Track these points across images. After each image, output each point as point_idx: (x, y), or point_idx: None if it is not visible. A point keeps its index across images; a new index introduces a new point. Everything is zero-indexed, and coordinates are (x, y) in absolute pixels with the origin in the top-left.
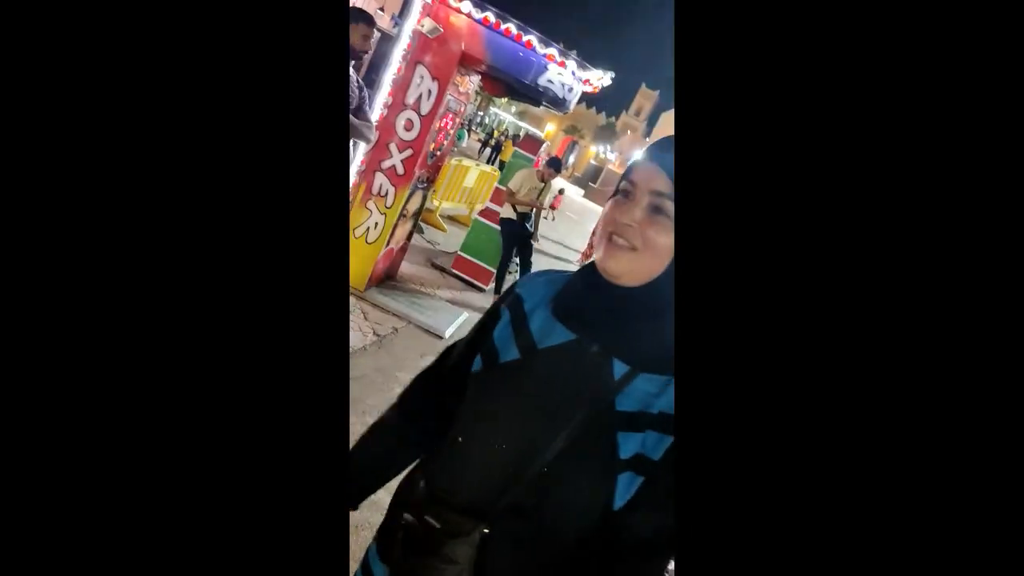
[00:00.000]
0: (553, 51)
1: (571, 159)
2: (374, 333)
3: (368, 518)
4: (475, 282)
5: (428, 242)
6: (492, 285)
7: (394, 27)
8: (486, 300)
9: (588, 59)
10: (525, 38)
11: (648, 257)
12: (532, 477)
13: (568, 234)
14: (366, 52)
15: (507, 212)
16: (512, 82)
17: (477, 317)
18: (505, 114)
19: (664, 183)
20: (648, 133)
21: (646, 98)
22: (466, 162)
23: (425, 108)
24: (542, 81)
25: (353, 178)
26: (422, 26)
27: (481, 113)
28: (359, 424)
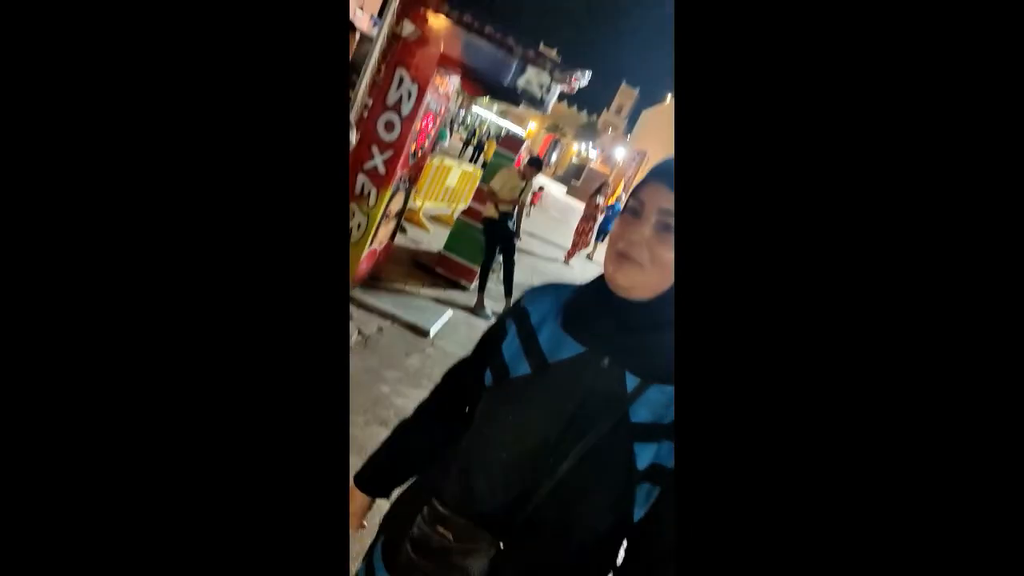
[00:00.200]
0: (531, 52)
1: (553, 157)
2: (359, 332)
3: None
4: (459, 280)
5: (412, 242)
6: (476, 283)
7: (374, 27)
8: (469, 298)
9: (569, 57)
10: (503, 40)
11: (656, 273)
12: (548, 491)
13: (552, 232)
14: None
15: (489, 211)
16: (491, 83)
17: (461, 315)
18: (487, 113)
19: (671, 201)
20: (629, 130)
21: (626, 96)
22: (448, 162)
23: (406, 109)
24: (521, 82)
25: None
26: (401, 29)
27: (464, 112)
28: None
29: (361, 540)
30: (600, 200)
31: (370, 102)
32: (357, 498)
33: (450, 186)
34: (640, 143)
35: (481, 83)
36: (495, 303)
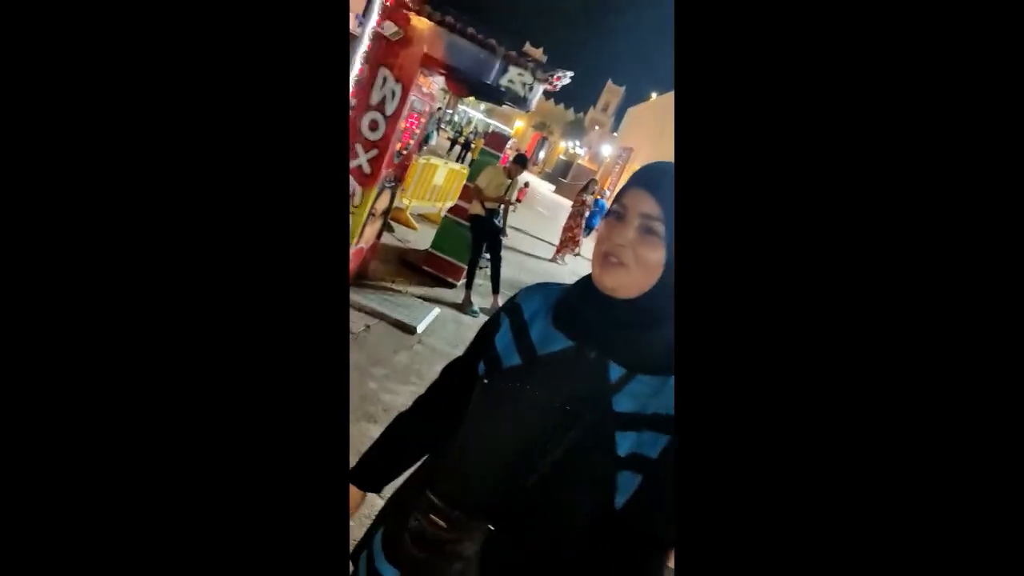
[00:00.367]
0: (513, 52)
1: (541, 155)
2: None
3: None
4: (446, 278)
5: (399, 240)
6: (463, 281)
7: (359, 27)
8: (457, 295)
9: (555, 56)
10: (485, 40)
11: (640, 273)
12: (535, 477)
13: (542, 229)
14: None
15: (476, 209)
16: (474, 82)
17: (449, 312)
18: (474, 112)
19: (652, 206)
20: (615, 128)
21: (612, 94)
22: (434, 160)
23: (390, 109)
24: (503, 81)
25: None
26: (383, 29)
27: (450, 111)
28: None
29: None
30: (588, 197)
31: (354, 102)
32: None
33: (437, 185)
34: (626, 140)
35: (465, 83)
36: (483, 300)
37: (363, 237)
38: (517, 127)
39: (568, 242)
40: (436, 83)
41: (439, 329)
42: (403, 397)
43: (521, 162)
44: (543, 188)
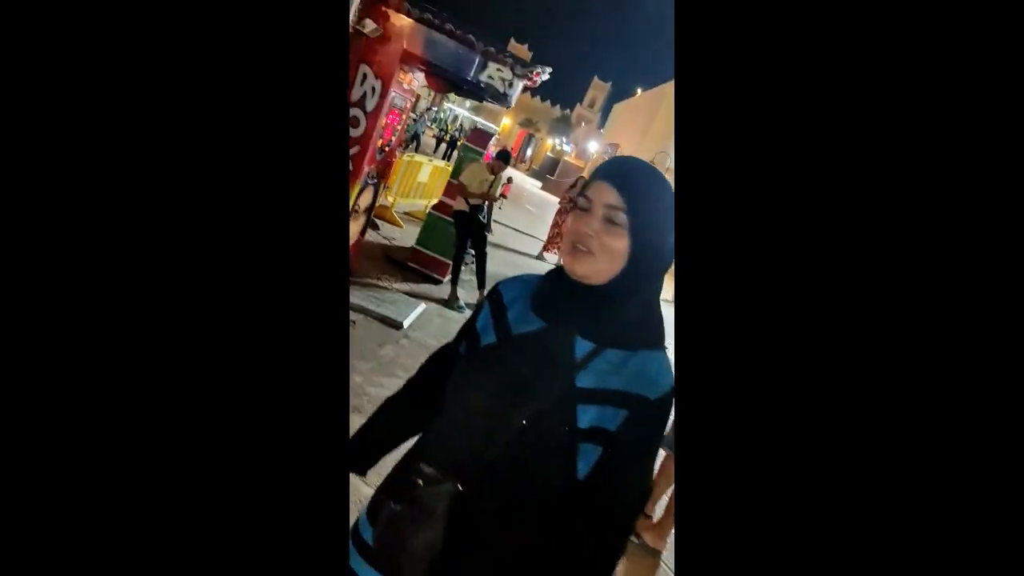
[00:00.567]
0: (491, 48)
1: (528, 152)
2: None
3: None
4: (432, 274)
5: (384, 238)
6: (449, 277)
7: None
8: (443, 291)
9: (540, 51)
10: (464, 36)
11: (605, 260)
12: (503, 442)
13: (529, 226)
14: None
15: (460, 205)
16: (454, 78)
17: (435, 307)
18: (459, 109)
19: (614, 198)
20: (602, 124)
21: (599, 90)
22: (418, 158)
23: (370, 105)
24: (483, 77)
25: None
26: (363, 26)
27: (435, 109)
28: None
29: None
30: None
31: None
32: None
33: (422, 182)
34: (612, 136)
35: (445, 79)
36: (469, 295)
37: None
38: (504, 124)
39: (556, 239)
40: (417, 79)
41: (425, 324)
42: (388, 390)
43: (504, 158)
44: (530, 185)
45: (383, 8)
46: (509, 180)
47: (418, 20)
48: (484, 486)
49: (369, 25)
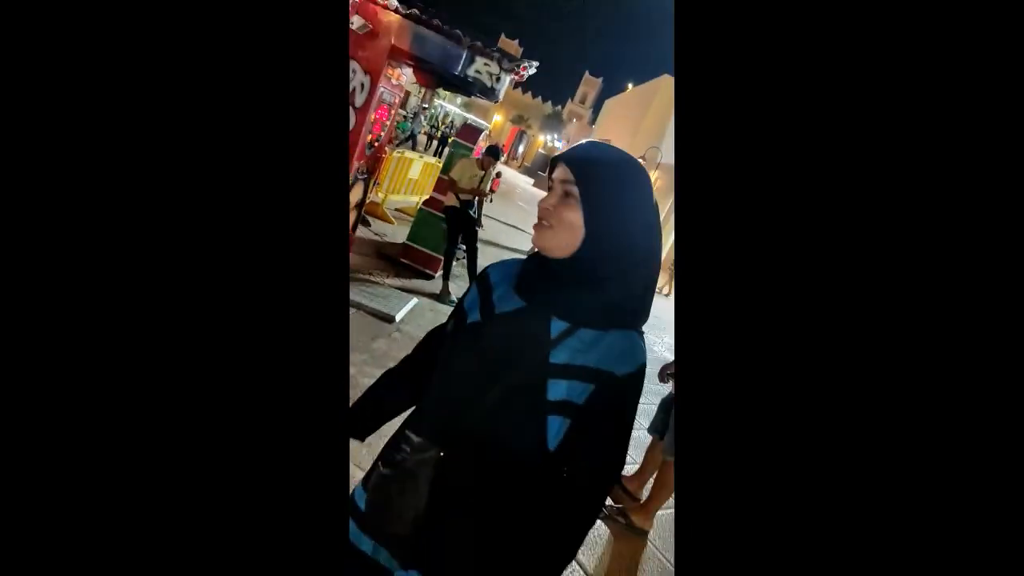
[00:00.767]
0: (478, 43)
1: (520, 149)
2: None
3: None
4: (423, 270)
5: (376, 234)
6: (441, 272)
7: None
8: (435, 286)
9: (531, 47)
10: (451, 31)
11: (564, 232)
12: (481, 412)
13: (521, 221)
14: None
15: (450, 200)
16: (442, 73)
17: (427, 302)
18: (450, 106)
19: (568, 173)
20: (594, 120)
21: (590, 85)
22: (409, 154)
23: (359, 101)
24: (470, 72)
25: None
26: (351, 23)
27: (426, 106)
28: None
29: None
30: None
31: None
32: None
33: (412, 178)
34: (604, 132)
35: (433, 74)
36: (461, 290)
37: None
38: (495, 121)
39: None
40: (405, 75)
41: (417, 318)
42: None
43: (494, 154)
44: (522, 182)
45: (371, 4)
46: (498, 175)
47: (405, 16)
48: (465, 453)
49: (357, 21)
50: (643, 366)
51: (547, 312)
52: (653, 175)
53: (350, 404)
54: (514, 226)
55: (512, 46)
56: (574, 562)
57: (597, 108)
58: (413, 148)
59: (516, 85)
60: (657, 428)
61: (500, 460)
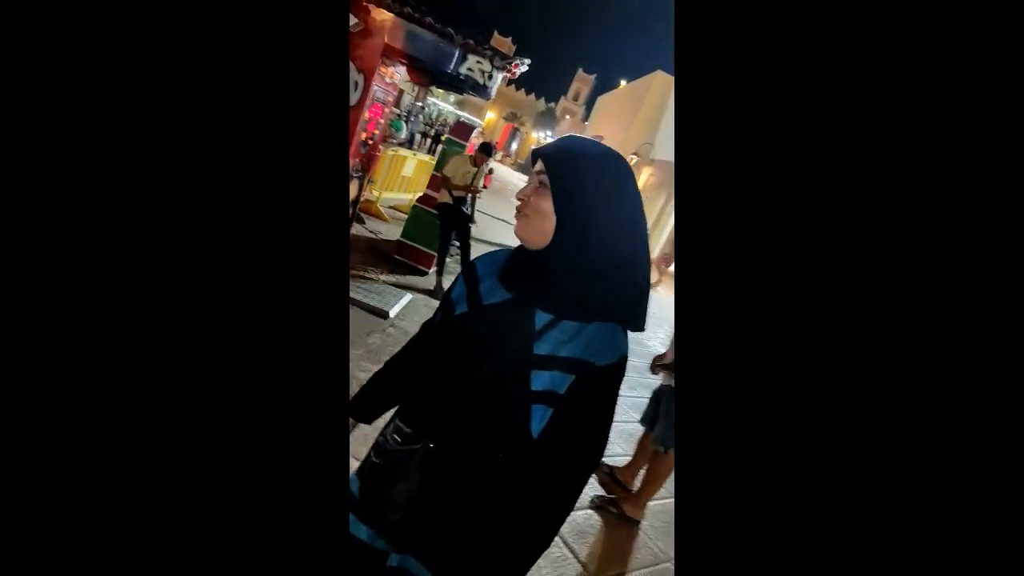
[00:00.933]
0: (470, 41)
1: (514, 146)
2: None
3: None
4: (417, 266)
5: (370, 232)
6: (435, 268)
7: None
8: (429, 282)
9: (524, 44)
10: (443, 30)
11: (538, 220)
12: (466, 401)
13: (513, 217)
14: None
15: (443, 197)
16: (435, 71)
17: (421, 298)
18: (444, 104)
19: (541, 165)
20: (586, 116)
21: (583, 82)
22: (403, 152)
23: (353, 99)
24: (463, 69)
25: None
26: None
27: (420, 104)
28: None
29: None
30: None
31: None
32: None
33: (406, 176)
34: (597, 128)
35: (425, 72)
36: None
37: None
38: (488, 118)
39: None
40: (399, 73)
41: (411, 313)
42: None
43: (487, 150)
44: (516, 179)
45: (364, 3)
46: (490, 171)
47: (398, 14)
48: (452, 443)
49: (351, 20)
50: (624, 357)
51: (532, 304)
52: (646, 171)
53: (349, 396)
54: (506, 221)
55: (505, 43)
56: (567, 551)
57: (590, 104)
58: (409, 145)
59: (509, 82)
60: (648, 420)
61: (486, 448)
